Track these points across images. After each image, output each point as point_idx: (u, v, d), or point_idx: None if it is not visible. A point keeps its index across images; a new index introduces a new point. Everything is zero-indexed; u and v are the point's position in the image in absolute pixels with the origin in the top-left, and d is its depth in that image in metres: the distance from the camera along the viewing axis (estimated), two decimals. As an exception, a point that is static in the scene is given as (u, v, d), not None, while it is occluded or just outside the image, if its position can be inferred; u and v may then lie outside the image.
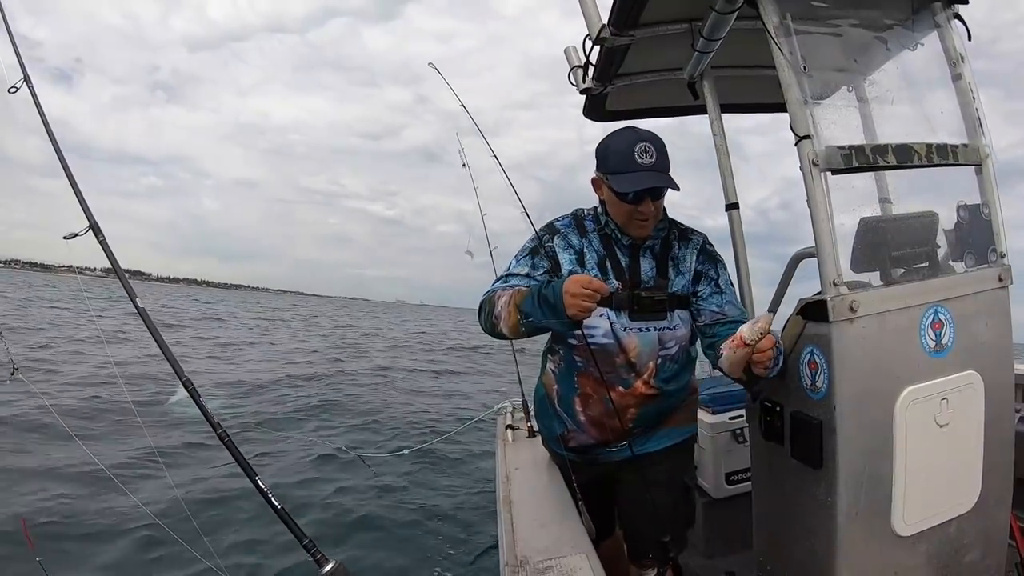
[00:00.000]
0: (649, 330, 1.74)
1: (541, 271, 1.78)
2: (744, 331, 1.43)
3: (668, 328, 1.75)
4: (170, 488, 4.31)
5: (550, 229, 1.84)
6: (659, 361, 1.76)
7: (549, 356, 1.96)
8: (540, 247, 1.81)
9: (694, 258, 1.79)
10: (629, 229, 1.75)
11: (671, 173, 1.65)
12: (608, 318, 1.72)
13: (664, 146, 1.65)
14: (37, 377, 7.21)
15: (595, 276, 1.71)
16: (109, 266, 1.77)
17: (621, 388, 1.77)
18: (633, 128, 1.70)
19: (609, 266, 1.77)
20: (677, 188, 1.65)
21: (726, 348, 1.51)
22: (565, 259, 1.78)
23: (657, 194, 1.67)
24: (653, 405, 1.80)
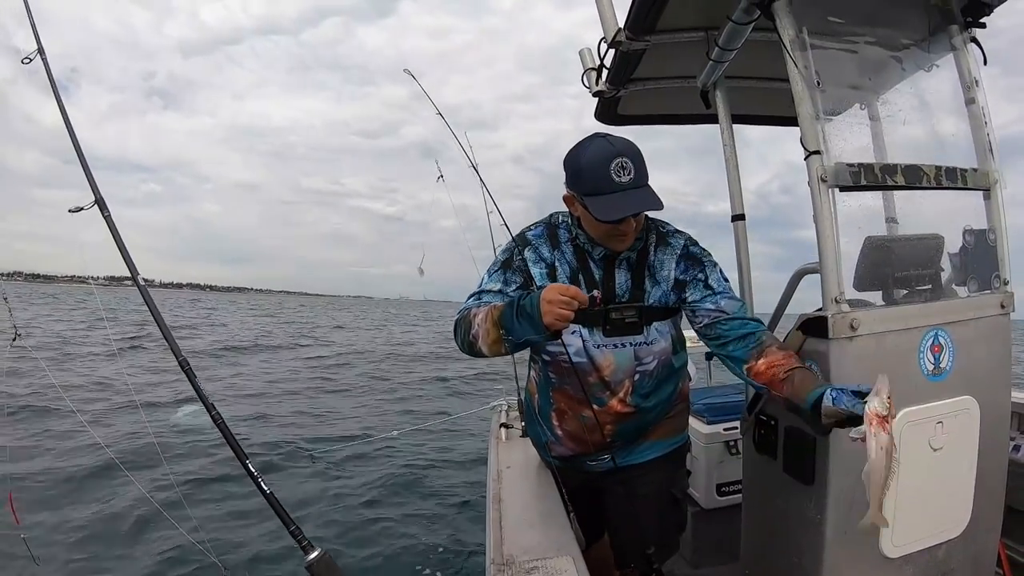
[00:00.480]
0: (624, 346, 1.66)
1: (514, 287, 1.69)
2: (878, 408, 1.19)
3: (644, 343, 1.67)
4: (166, 475, 4.38)
5: (522, 240, 1.74)
6: (636, 378, 1.68)
7: (532, 363, 1.91)
8: (512, 259, 1.71)
9: (673, 266, 1.67)
10: (608, 244, 1.64)
11: (650, 178, 1.51)
12: (580, 335, 1.65)
13: (640, 155, 1.51)
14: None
15: None
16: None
17: (596, 406, 1.69)
18: (606, 138, 1.54)
19: (582, 280, 1.67)
20: (660, 207, 1.51)
21: (866, 439, 1.20)
22: (536, 273, 1.68)
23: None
24: (631, 422, 1.74)
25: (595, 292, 1.64)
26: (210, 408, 1.60)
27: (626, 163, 1.47)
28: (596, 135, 1.56)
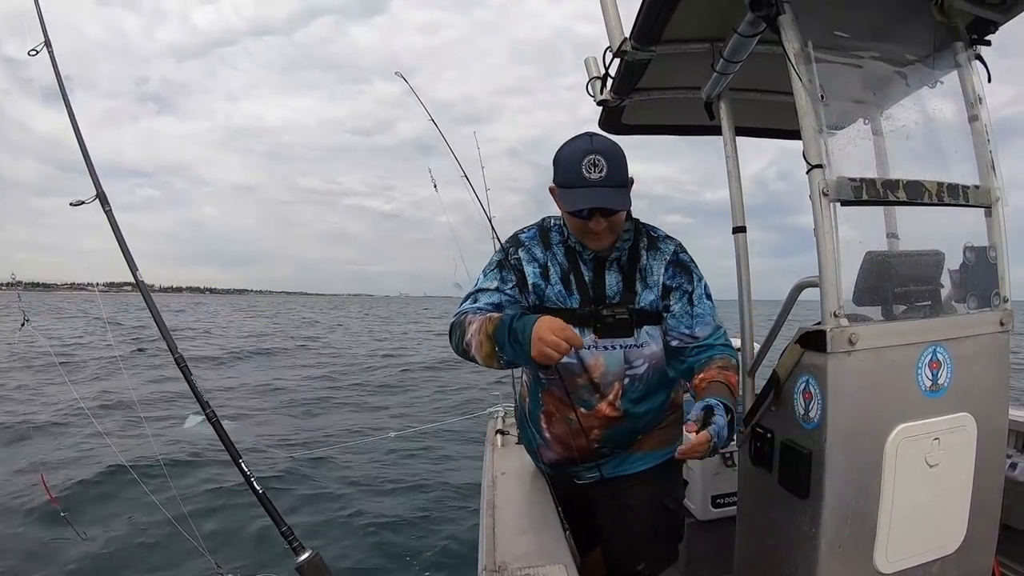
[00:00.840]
0: (615, 348, 1.66)
1: (510, 285, 1.70)
2: None
3: (635, 346, 1.67)
4: (162, 477, 4.40)
5: (515, 242, 1.76)
6: (626, 381, 1.68)
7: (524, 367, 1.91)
8: (506, 259, 1.73)
9: (662, 270, 1.69)
10: (584, 242, 1.67)
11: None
12: None
13: (618, 158, 1.56)
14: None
15: (559, 291, 1.67)
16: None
17: (583, 409, 1.70)
18: (589, 136, 1.59)
19: (573, 281, 1.69)
20: (624, 208, 1.58)
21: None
22: (529, 272, 1.71)
23: (609, 211, 1.57)
24: (620, 427, 1.73)
25: (588, 340, 1.65)
26: (204, 406, 1.60)
27: (599, 160, 1.51)
28: (585, 133, 1.60)
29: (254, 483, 1.49)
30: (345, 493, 5.29)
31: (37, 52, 1.80)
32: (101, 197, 1.69)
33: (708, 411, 1.39)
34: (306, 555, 1.39)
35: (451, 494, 5.38)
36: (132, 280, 1.74)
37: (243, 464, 1.51)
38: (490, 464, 2.35)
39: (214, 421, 1.57)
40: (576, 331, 1.59)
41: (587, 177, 1.52)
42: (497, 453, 2.52)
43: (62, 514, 2.26)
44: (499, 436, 2.72)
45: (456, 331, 1.63)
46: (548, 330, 1.37)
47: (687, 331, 1.65)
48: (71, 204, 1.67)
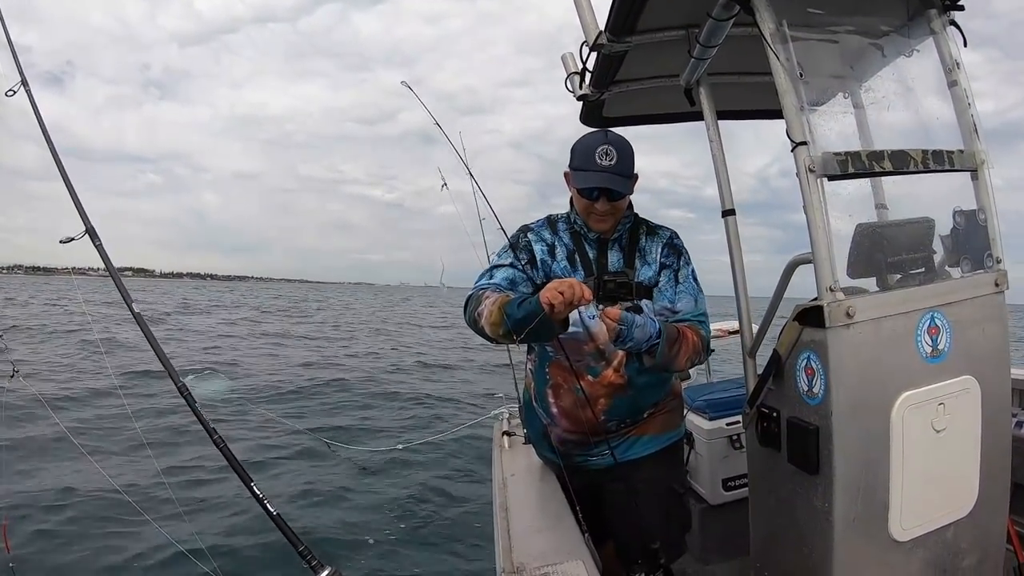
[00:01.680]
0: None
1: (522, 262, 1.86)
2: None
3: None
4: (166, 489, 4.32)
5: (524, 229, 1.96)
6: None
7: (528, 356, 2.04)
8: (518, 242, 1.91)
9: (659, 250, 1.88)
10: (589, 222, 1.86)
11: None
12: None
13: (628, 152, 1.76)
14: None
15: (564, 267, 1.84)
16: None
17: (590, 377, 1.82)
18: (605, 132, 1.80)
19: (578, 259, 1.87)
20: (626, 193, 1.78)
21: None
22: (537, 250, 1.89)
23: (614, 195, 1.77)
24: (624, 397, 1.84)
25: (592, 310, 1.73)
26: (211, 433, 1.59)
27: (610, 151, 1.73)
28: (602, 130, 1.84)
29: (267, 505, 1.48)
30: (356, 501, 5.24)
31: (14, 92, 1.79)
32: (91, 232, 1.69)
33: (636, 310, 1.70)
34: (325, 573, 1.39)
35: (463, 498, 5.37)
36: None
37: (255, 487, 1.50)
38: (499, 466, 2.36)
39: (222, 448, 1.56)
40: None
41: (599, 163, 1.72)
42: (505, 455, 2.52)
43: (11, 565, 2.20)
44: (505, 438, 2.72)
45: (471, 303, 1.77)
46: (557, 280, 1.53)
47: (669, 304, 1.82)
48: (60, 241, 1.66)
